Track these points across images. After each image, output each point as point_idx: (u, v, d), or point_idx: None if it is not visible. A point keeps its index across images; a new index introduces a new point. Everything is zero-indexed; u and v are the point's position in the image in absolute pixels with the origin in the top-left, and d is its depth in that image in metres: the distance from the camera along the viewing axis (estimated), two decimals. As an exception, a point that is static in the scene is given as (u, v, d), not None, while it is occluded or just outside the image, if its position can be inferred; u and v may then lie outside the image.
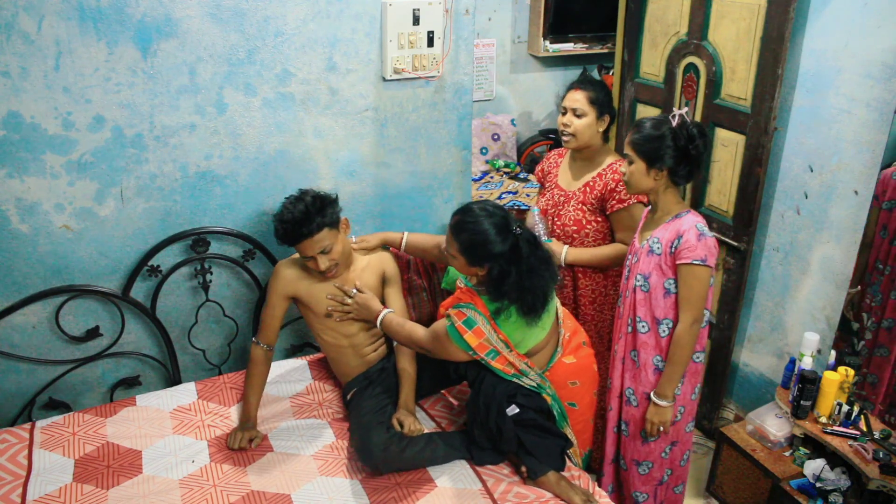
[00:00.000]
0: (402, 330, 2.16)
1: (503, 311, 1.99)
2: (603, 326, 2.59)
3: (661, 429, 2.17)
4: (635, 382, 2.21)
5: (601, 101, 2.42)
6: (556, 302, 2.17)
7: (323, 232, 2.16)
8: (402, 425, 2.12)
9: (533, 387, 2.08)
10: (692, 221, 2.05)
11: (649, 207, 2.21)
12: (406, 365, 2.27)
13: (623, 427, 2.29)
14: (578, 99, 2.42)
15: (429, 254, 2.44)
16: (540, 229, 2.48)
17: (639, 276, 2.15)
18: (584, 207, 2.46)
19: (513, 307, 1.98)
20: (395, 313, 2.26)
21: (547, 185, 2.64)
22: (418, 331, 2.12)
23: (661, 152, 2.03)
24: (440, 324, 2.05)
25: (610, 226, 2.47)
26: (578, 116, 2.41)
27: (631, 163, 2.09)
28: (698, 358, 2.16)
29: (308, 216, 2.13)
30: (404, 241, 2.45)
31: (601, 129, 2.45)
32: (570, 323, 2.25)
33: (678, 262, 2.05)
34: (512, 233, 1.96)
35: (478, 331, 1.98)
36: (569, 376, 2.18)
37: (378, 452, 2.02)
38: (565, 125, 2.44)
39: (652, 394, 2.16)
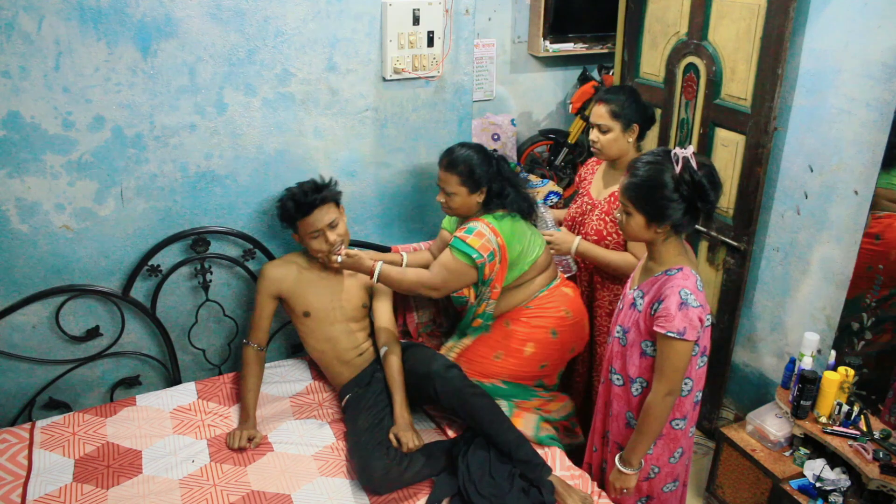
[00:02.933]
0: (406, 277, 2.24)
1: (507, 216, 2.28)
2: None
3: (626, 491, 2.01)
4: (610, 429, 2.11)
5: (626, 113, 2.33)
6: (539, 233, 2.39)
7: (331, 204, 2.30)
8: (399, 441, 2.08)
9: (483, 313, 2.33)
10: (678, 286, 1.78)
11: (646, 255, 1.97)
12: (395, 372, 2.25)
13: (604, 466, 2.19)
14: (602, 114, 2.35)
15: (404, 287, 2.29)
16: (547, 219, 2.48)
17: (619, 327, 1.98)
18: (607, 218, 2.41)
19: (515, 216, 2.29)
20: (388, 265, 2.24)
21: (580, 191, 2.61)
22: (423, 273, 2.25)
23: (663, 206, 1.75)
24: (444, 254, 2.25)
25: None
26: (604, 132, 2.36)
27: (628, 213, 1.82)
28: (678, 425, 1.96)
29: (318, 187, 2.31)
30: (377, 274, 2.20)
31: (631, 139, 2.37)
32: None
33: (655, 328, 1.81)
34: (492, 155, 2.32)
35: (478, 233, 2.22)
36: (564, 304, 2.38)
37: (379, 478, 2.00)
38: (593, 141, 2.39)
39: (616, 458, 1.98)
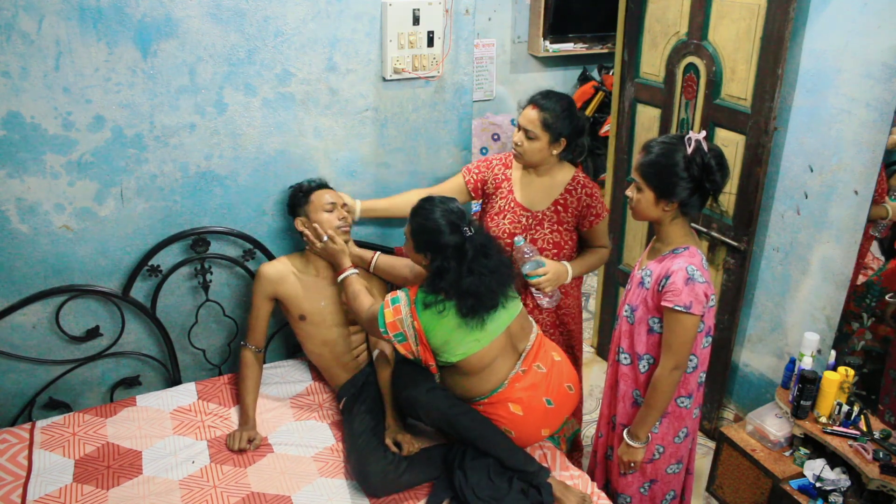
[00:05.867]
0: (355, 299, 2.18)
1: (436, 304, 1.98)
2: (571, 336, 2.57)
3: (633, 465, 2.08)
4: (616, 412, 2.15)
5: (558, 126, 2.23)
6: (500, 322, 2.05)
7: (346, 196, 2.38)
8: (398, 445, 2.07)
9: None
10: (684, 262, 1.88)
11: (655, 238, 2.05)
12: (385, 377, 2.25)
13: (609, 452, 2.23)
14: (532, 120, 2.23)
15: (399, 276, 2.35)
16: (533, 255, 2.29)
17: (627, 307, 2.06)
18: (561, 228, 2.36)
19: (450, 304, 1.98)
20: (359, 276, 2.24)
21: (498, 199, 2.43)
22: (364, 308, 2.14)
23: (673, 183, 1.85)
24: (378, 306, 2.07)
25: (578, 240, 2.42)
26: (530, 139, 2.26)
27: (639, 190, 1.91)
28: (683, 403, 2.04)
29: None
30: (374, 262, 2.39)
31: (556, 153, 2.29)
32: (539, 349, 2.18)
33: (662, 303, 1.90)
34: (461, 232, 1.99)
35: (396, 309, 2.02)
36: (504, 423, 2.06)
37: (376, 481, 2.00)
38: (516, 143, 2.29)
39: (625, 431, 2.08)
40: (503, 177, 2.44)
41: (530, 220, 2.38)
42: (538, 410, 2.07)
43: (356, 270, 2.26)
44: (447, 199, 2.07)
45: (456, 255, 1.97)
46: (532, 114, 2.25)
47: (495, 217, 2.43)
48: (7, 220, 2.14)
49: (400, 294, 2.04)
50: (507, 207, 2.41)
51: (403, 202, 2.40)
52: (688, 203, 1.89)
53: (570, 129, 2.27)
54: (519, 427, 2.07)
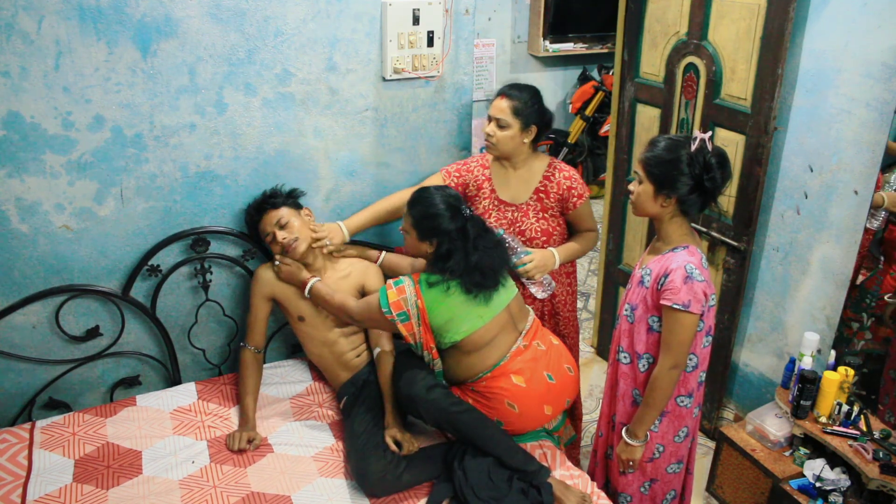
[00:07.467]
0: (333, 299, 2.22)
1: (441, 283, 2.04)
2: (565, 325, 2.59)
3: (632, 463, 2.09)
4: (616, 410, 2.16)
5: (527, 112, 2.28)
6: (501, 300, 2.12)
7: (282, 209, 2.32)
8: (398, 444, 2.07)
9: (437, 371, 2.16)
10: (683, 260, 1.89)
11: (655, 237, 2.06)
12: (386, 376, 2.25)
13: (609, 452, 2.22)
14: (503, 108, 2.28)
15: (402, 273, 2.38)
16: (516, 246, 2.34)
17: (627, 306, 2.06)
18: (546, 215, 2.39)
19: (454, 283, 2.04)
20: (322, 282, 2.29)
21: (482, 200, 2.44)
22: (350, 301, 2.20)
23: (673, 178, 1.86)
24: (375, 294, 2.12)
25: (567, 224, 2.44)
26: (501, 127, 2.29)
27: (640, 182, 1.93)
28: (683, 402, 2.03)
29: (269, 195, 2.36)
30: (381, 259, 2.46)
31: (527, 140, 2.32)
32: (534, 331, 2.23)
33: (661, 301, 1.91)
34: (461, 213, 2.08)
35: (400, 289, 2.07)
36: (507, 396, 2.09)
37: (375, 480, 2.00)
38: (488, 135, 2.32)
39: (623, 430, 2.08)
40: (483, 177, 2.45)
41: (515, 214, 2.41)
42: (540, 382, 2.12)
43: (317, 278, 2.30)
44: (441, 186, 2.16)
45: (460, 235, 2.06)
46: (502, 103, 2.30)
47: (481, 217, 2.45)
48: (7, 219, 2.14)
49: (403, 277, 2.11)
50: (491, 206, 2.44)
51: (388, 206, 2.45)
52: (686, 201, 1.90)
53: (539, 116, 2.32)
54: (522, 400, 2.09)
